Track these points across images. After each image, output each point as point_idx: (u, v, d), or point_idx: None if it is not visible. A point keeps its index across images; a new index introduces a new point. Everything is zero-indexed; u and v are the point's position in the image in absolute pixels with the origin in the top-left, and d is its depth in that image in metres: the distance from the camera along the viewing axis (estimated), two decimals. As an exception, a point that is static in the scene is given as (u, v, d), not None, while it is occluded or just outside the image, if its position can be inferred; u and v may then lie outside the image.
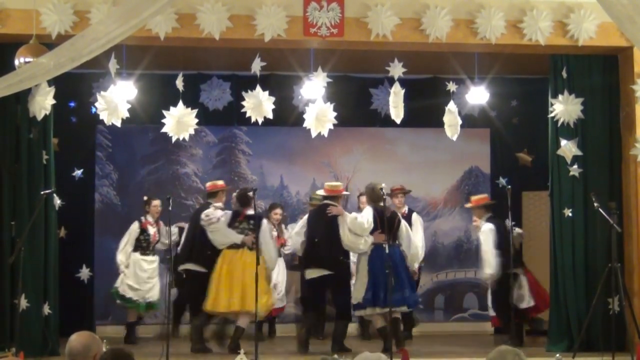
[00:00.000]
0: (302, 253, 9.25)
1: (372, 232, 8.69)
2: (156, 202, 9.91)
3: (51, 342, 8.26)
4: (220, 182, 9.48)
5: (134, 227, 9.80)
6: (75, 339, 4.06)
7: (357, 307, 8.79)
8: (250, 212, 8.80)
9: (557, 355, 7.72)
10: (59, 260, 8.70)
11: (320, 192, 9.21)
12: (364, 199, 9.51)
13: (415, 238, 9.19)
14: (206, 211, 8.97)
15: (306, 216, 9.33)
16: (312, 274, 8.91)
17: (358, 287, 8.75)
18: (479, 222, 9.56)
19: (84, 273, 10.31)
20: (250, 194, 8.58)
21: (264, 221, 8.93)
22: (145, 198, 10.03)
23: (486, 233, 9.35)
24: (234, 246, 8.82)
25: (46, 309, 8.29)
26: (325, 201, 9.00)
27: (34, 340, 8.15)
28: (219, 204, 9.16)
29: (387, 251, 8.32)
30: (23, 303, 7.94)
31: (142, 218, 9.87)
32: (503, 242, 9.19)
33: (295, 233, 9.37)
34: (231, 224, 8.89)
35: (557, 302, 8.84)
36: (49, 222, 8.41)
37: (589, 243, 8.83)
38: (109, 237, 10.38)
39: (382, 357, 4.15)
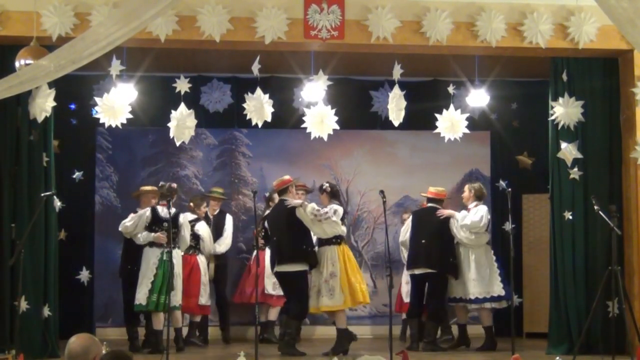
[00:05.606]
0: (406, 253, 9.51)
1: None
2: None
3: (51, 344, 8.26)
4: (287, 177, 9.03)
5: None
6: (75, 341, 4.06)
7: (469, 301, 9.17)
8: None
9: (557, 358, 7.73)
10: (59, 262, 8.71)
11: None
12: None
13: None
14: (312, 205, 8.67)
15: (409, 219, 9.50)
16: (415, 271, 9.15)
17: (469, 283, 9.07)
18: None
19: (84, 275, 10.32)
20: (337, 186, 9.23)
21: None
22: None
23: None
24: (335, 241, 8.73)
25: (46, 311, 8.29)
26: (430, 204, 9.37)
27: (34, 342, 8.15)
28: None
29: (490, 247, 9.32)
30: (23, 305, 7.94)
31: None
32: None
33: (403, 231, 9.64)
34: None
35: (557, 305, 8.84)
36: (49, 224, 8.41)
37: (589, 246, 8.83)
38: (109, 239, 10.37)
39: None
